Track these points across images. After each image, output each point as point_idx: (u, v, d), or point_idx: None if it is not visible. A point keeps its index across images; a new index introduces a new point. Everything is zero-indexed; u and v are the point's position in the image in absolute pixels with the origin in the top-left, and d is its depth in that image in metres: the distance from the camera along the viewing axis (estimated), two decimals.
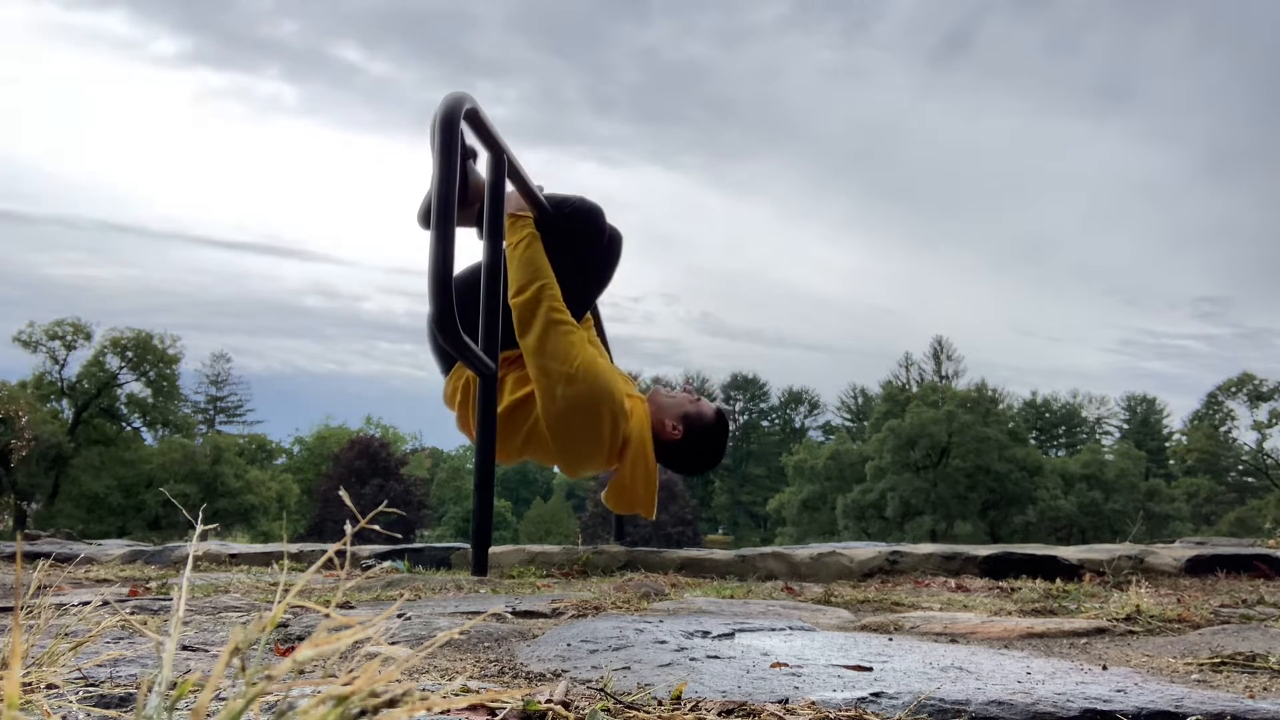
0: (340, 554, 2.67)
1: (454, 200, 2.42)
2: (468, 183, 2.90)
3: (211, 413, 48.40)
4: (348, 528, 0.52)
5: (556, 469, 2.94)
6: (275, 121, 72.28)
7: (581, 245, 2.92)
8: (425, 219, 2.84)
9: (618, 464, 2.79)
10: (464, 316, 2.49)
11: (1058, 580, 2.42)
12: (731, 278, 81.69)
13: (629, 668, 1.07)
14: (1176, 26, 71.94)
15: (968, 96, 74.48)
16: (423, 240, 2.95)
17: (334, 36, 71.79)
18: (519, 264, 2.73)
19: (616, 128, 77.67)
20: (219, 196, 74.30)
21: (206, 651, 1.14)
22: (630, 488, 2.79)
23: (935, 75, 74.04)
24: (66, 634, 0.85)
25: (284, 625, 1.40)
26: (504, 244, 2.77)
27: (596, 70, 76.26)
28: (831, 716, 0.82)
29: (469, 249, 3.16)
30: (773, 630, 1.44)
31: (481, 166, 2.79)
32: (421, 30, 74.84)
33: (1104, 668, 1.12)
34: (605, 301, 3.41)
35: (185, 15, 66.91)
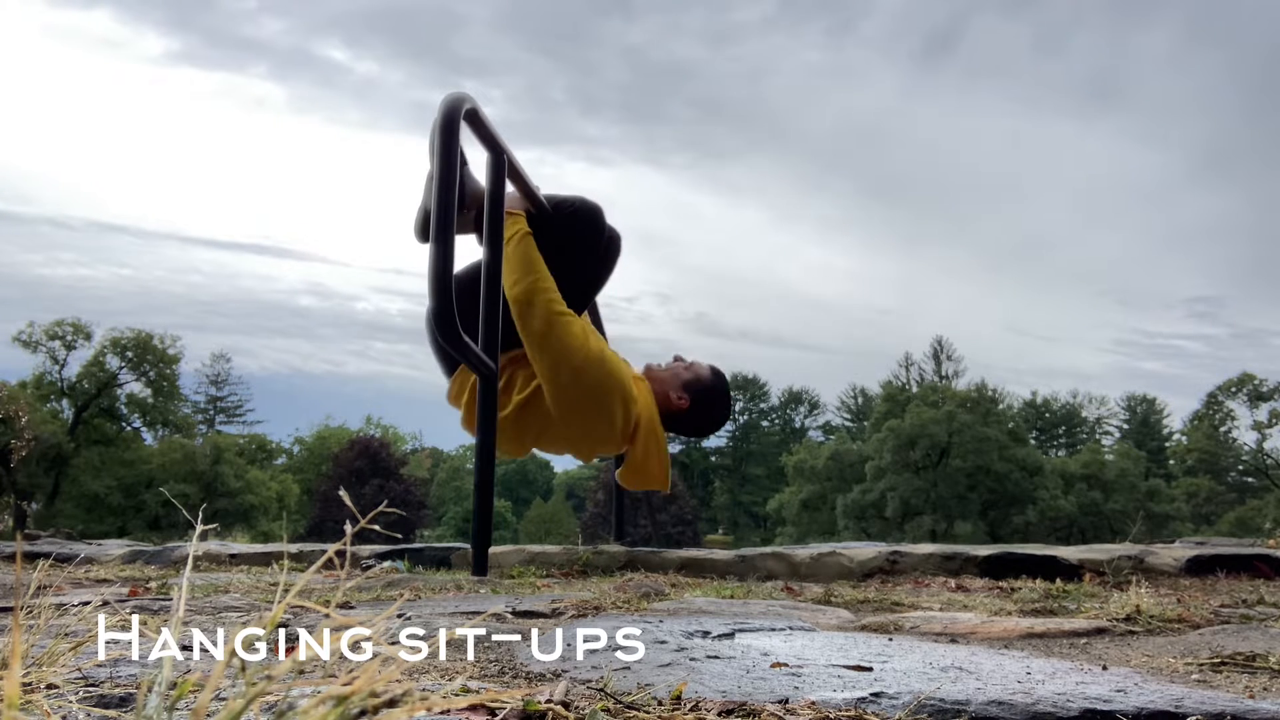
0: (340, 554, 2.67)
1: (455, 199, 2.42)
2: (464, 189, 2.89)
3: (211, 413, 48.40)
4: (348, 528, 0.52)
5: (569, 455, 2.99)
6: (265, 121, 72.40)
7: (580, 244, 2.92)
8: (423, 231, 2.84)
9: (629, 446, 2.83)
10: (463, 317, 2.50)
11: (1058, 580, 2.41)
12: (725, 278, 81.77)
13: (629, 668, 1.07)
14: (1166, 26, 71.99)
15: (956, 96, 74.50)
16: (417, 247, 2.96)
17: (319, 36, 71.89)
18: (513, 261, 2.73)
19: (605, 127, 77.75)
20: (212, 196, 74.46)
21: (206, 651, 1.14)
22: (644, 467, 2.86)
23: (923, 75, 74.09)
24: (66, 634, 0.85)
25: (284, 625, 1.40)
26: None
27: (583, 70, 76.34)
28: (831, 716, 0.82)
29: (468, 253, 3.16)
30: (773, 630, 1.44)
31: (479, 169, 2.79)
32: (406, 30, 74.99)
33: (1104, 668, 1.12)
34: (600, 302, 3.41)
35: (170, 14, 67.05)
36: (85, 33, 62.33)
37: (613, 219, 3.09)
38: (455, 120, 2.47)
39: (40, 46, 62.12)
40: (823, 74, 74.88)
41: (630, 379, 2.80)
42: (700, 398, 2.94)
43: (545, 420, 2.76)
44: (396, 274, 70.46)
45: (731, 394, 3.07)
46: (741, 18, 73.38)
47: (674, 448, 58.04)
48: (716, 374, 3.01)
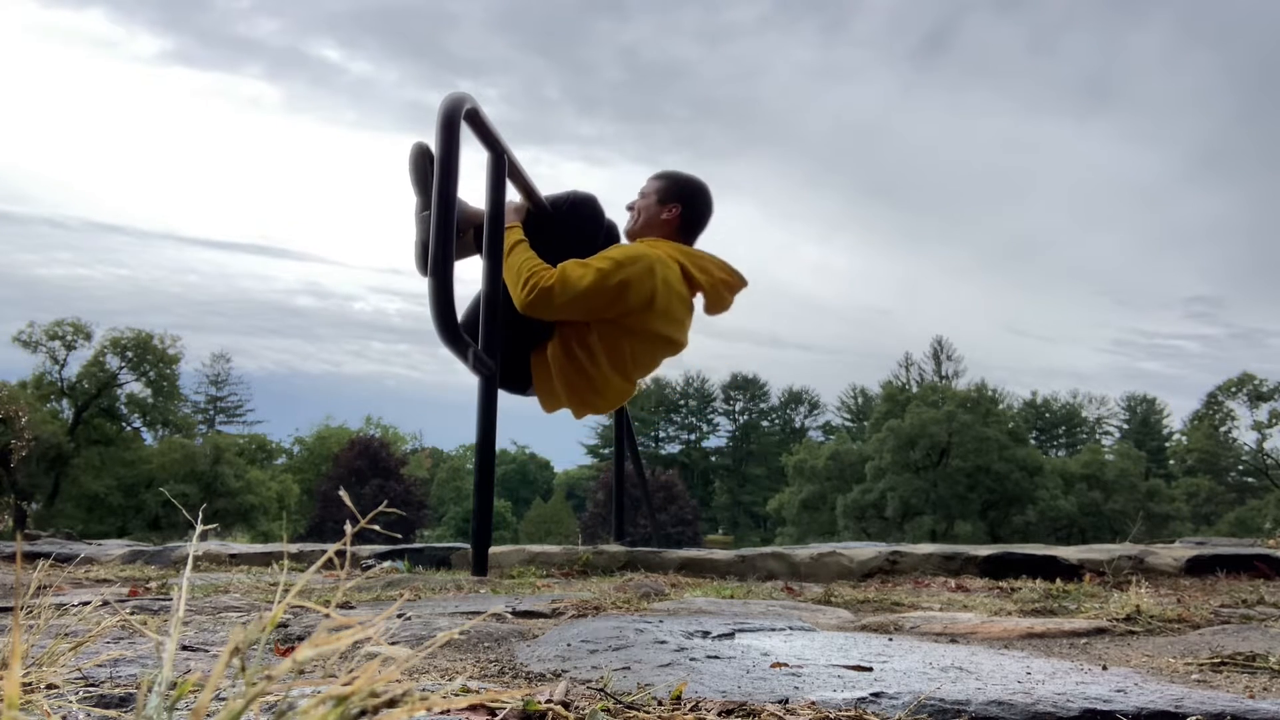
0: (340, 554, 2.67)
1: (455, 189, 2.42)
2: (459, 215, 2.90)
3: (211, 413, 48.42)
4: (348, 528, 0.52)
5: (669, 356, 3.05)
6: (260, 121, 72.44)
7: (582, 237, 2.93)
8: (424, 264, 2.86)
9: (697, 290, 2.92)
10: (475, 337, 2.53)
11: (1058, 580, 2.41)
12: None
13: (629, 668, 1.07)
14: (1159, 25, 71.99)
15: (951, 96, 74.47)
16: (414, 247, 2.96)
17: (312, 36, 71.88)
18: (510, 269, 2.75)
19: (601, 127, 77.78)
20: (208, 196, 74.43)
21: (206, 651, 1.14)
22: (715, 286, 2.93)
23: (917, 75, 74.09)
24: (66, 634, 0.85)
25: (284, 625, 1.40)
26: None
27: (578, 69, 76.37)
28: (831, 716, 0.82)
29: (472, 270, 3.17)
30: (773, 630, 1.44)
31: (478, 169, 2.79)
32: (400, 29, 74.99)
33: (1104, 668, 1.12)
34: None
35: (163, 14, 67.04)
36: (79, 32, 62.40)
37: (610, 218, 3.10)
38: (455, 120, 2.47)
39: (33, 46, 62.23)
40: (817, 73, 74.99)
41: (643, 249, 2.84)
42: (680, 194, 2.99)
43: (631, 339, 2.83)
44: (394, 274, 70.55)
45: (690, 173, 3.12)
46: (735, 17, 73.46)
47: (673, 447, 58.10)
48: (667, 173, 3.06)
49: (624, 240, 3.07)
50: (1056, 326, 75.13)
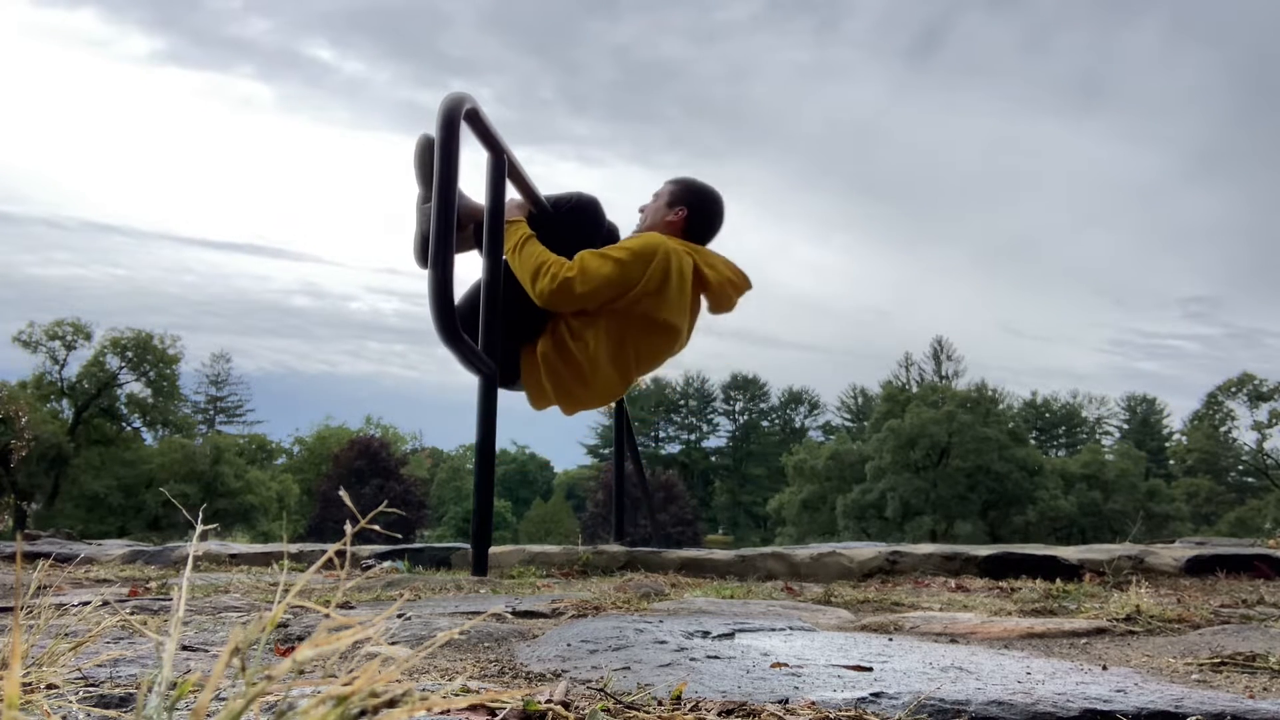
0: (340, 554, 2.67)
1: (454, 195, 2.42)
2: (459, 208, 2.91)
3: (211, 413, 48.42)
4: (348, 528, 0.52)
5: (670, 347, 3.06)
6: (254, 121, 72.44)
7: (582, 239, 2.93)
8: (423, 256, 2.86)
9: (703, 287, 2.96)
10: (473, 330, 2.51)
11: (1058, 580, 2.41)
12: None
13: (629, 668, 1.07)
14: (1153, 23, 71.95)
15: (944, 95, 74.43)
16: (411, 246, 2.95)
17: (304, 35, 71.89)
18: (523, 263, 2.74)
19: (595, 127, 77.81)
20: (204, 196, 74.39)
21: (206, 651, 1.14)
22: (722, 285, 2.98)
23: (910, 74, 74.07)
24: (66, 634, 0.85)
25: (284, 625, 1.40)
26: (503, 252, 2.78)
27: (571, 69, 76.43)
28: (831, 716, 0.82)
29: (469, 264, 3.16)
30: (773, 630, 1.44)
31: (478, 169, 2.79)
32: (392, 29, 75.07)
33: (1104, 668, 1.12)
34: None
35: (155, 14, 66.97)
36: (71, 32, 62.38)
37: (611, 220, 3.10)
38: (455, 120, 2.47)
39: (25, 46, 62.22)
40: (811, 73, 74.96)
41: (658, 239, 2.87)
42: (688, 199, 3.04)
43: (635, 331, 2.84)
44: (390, 274, 70.56)
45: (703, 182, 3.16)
46: (728, 16, 73.46)
47: (673, 447, 58.09)
48: (681, 178, 3.12)
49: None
50: (1054, 326, 75.16)
